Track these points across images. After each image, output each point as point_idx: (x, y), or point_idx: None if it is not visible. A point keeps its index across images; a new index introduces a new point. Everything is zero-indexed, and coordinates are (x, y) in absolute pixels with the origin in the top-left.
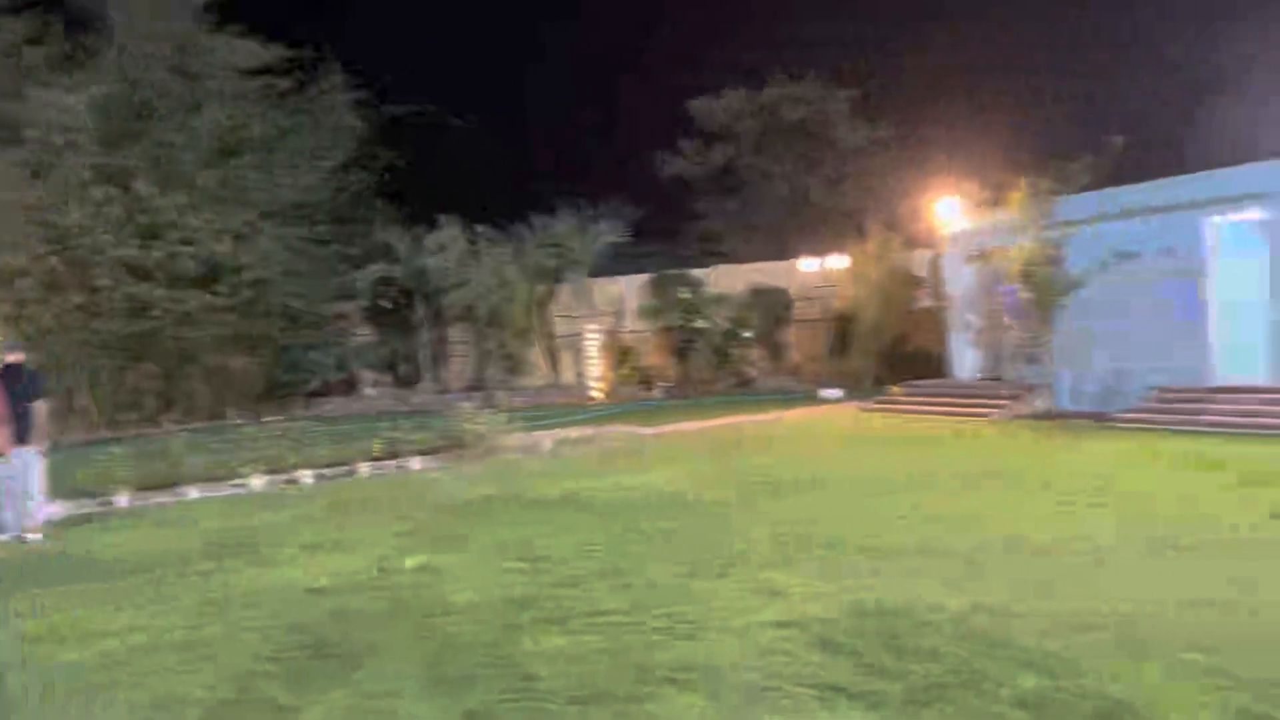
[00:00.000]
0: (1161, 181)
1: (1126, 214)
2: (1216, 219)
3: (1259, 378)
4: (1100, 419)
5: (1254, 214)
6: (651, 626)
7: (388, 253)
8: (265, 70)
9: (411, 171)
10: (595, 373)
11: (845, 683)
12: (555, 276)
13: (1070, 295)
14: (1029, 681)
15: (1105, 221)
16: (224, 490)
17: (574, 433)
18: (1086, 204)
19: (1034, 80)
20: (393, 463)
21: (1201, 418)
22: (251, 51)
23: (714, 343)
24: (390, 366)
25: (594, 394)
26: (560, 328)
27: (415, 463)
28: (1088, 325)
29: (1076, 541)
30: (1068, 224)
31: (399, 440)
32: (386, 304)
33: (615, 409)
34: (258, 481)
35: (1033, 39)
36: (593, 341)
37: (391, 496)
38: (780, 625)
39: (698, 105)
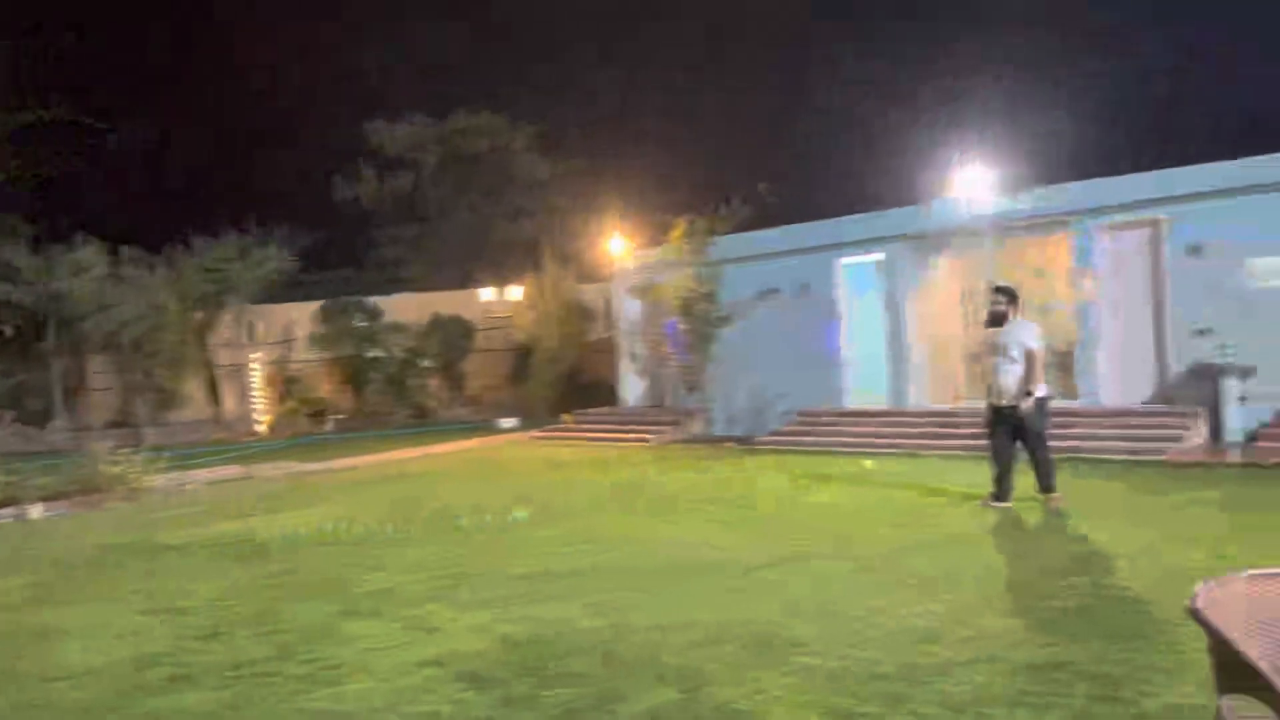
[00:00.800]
0: (802, 225)
1: (772, 253)
2: (846, 260)
3: (882, 402)
4: (747, 442)
5: (876, 256)
6: (294, 674)
7: (11, 274)
8: None
9: (47, 185)
10: (260, 406)
11: (485, 716)
12: (216, 303)
13: (724, 327)
14: (662, 696)
15: (755, 260)
16: None
17: (230, 471)
18: (739, 244)
19: (700, 127)
20: (9, 511)
21: (832, 439)
22: None
23: (390, 373)
24: (15, 402)
25: (258, 428)
26: (222, 358)
27: (38, 510)
28: (740, 355)
29: (715, 556)
30: (722, 261)
31: (19, 485)
32: (8, 331)
33: (281, 444)
34: None
35: (703, 88)
36: (258, 372)
37: (6, 549)
38: (430, 663)
39: (376, 130)
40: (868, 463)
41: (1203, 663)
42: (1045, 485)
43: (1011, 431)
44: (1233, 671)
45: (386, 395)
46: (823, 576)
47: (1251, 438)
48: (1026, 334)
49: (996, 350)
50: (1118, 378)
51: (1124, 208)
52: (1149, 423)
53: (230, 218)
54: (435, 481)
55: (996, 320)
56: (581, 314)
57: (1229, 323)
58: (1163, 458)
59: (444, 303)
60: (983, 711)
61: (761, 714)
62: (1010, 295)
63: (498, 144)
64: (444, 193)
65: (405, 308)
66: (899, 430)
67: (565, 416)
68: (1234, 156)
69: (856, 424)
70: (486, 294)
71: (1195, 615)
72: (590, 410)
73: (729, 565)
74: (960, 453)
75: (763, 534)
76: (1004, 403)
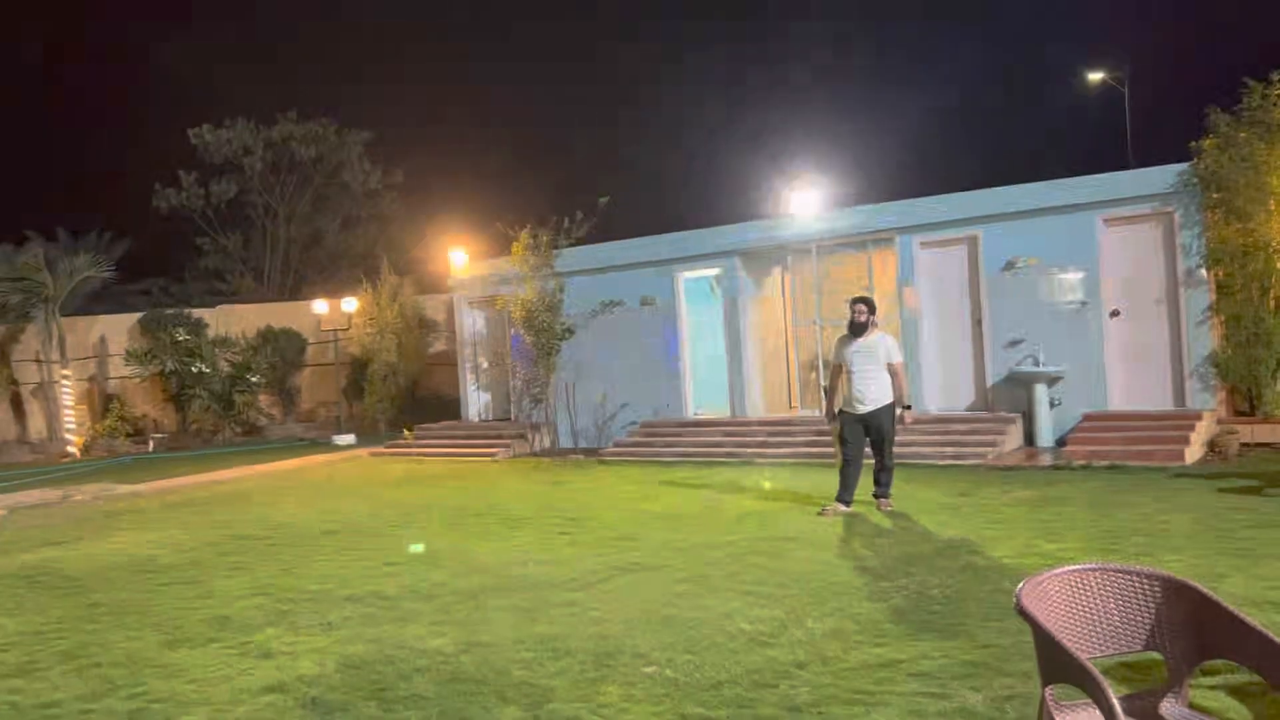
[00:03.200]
0: (644, 239)
1: (615, 266)
2: (686, 273)
3: (723, 412)
4: (593, 454)
5: (714, 270)
6: (118, 710)
7: None
8: None
9: None
10: (72, 425)
11: None
12: (20, 315)
13: (568, 339)
14: (508, 715)
15: (597, 273)
16: None
17: (41, 495)
18: (582, 256)
19: (541, 138)
20: None
21: (676, 449)
22: None
23: (216, 389)
24: None
25: (71, 449)
26: (28, 374)
27: None
28: (585, 367)
29: (556, 569)
30: (566, 274)
31: None
32: None
33: (97, 465)
34: None
35: (544, 104)
36: (69, 389)
37: None
38: (269, 690)
39: (199, 135)
40: (766, 484)
41: (1022, 655)
42: (884, 490)
43: (866, 438)
44: (1054, 661)
45: (213, 412)
46: (662, 585)
47: (1061, 441)
48: (892, 346)
49: (863, 359)
50: (941, 386)
51: (942, 225)
52: (970, 429)
53: (36, 223)
54: (265, 502)
55: (859, 330)
56: (422, 326)
57: (1039, 333)
58: (982, 462)
59: (273, 315)
60: (823, 711)
61: None
62: (871, 306)
63: (327, 150)
64: (272, 200)
65: (231, 320)
66: (738, 439)
67: (406, 432)
68: (1042, 177)
69: (698, 434)
70: (320, 306)
71: (1019, 610)
72: (432, 425)
73: (569, 578)
74: (796, 460)
75: (603, 545)
76: (865, 410)
